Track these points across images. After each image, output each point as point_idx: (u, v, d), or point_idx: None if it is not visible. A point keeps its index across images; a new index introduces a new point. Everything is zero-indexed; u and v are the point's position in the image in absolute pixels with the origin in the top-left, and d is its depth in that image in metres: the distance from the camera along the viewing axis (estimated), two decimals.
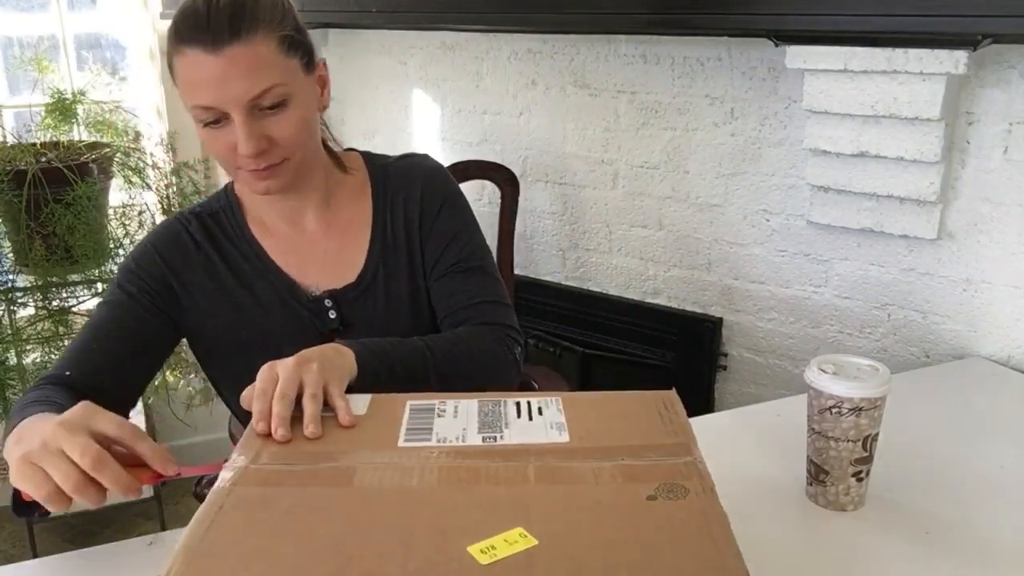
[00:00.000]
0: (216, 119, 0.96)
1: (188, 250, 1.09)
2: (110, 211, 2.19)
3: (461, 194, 1.16)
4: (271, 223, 1.11)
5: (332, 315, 1.09)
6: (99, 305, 1.08)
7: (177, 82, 0.98)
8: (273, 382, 0.81)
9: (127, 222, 2.18)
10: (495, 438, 0.77)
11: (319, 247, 1.11)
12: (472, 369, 1.03)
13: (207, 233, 1.10)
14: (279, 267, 1.10)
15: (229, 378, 1.12)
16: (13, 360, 2.07)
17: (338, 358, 0.90)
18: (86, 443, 0.74)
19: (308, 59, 1.02)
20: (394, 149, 1.19)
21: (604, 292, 1.91)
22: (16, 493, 0.81)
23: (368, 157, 1.18)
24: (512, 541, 0.63)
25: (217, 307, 1.09)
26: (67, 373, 1.00)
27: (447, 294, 1.10)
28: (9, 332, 2.04)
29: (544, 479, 0.71)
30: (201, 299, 1.08)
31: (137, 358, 1.05)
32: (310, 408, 0.80)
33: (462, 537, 0.63)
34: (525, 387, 1.45)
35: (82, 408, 0.79)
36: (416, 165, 1.16)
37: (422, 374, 0.98)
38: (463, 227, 1.13)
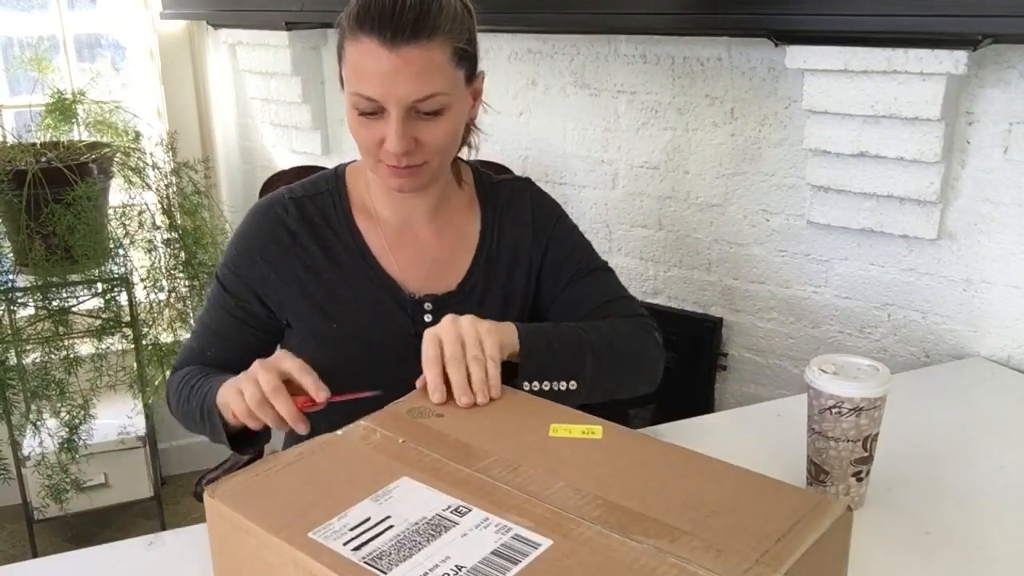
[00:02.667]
0: (373, 111, 0.97)
1: (284, 243, 1.10)
2: (110, 211, 2.19)
3: (565, 212, 1.22)
4: (382, 216, 1.12)
5: (428, 319, 1.10)
6: (207, 307, 1.14)
7: (344, 65, 1.00)
8: (439, 346, 0.87)
9: (127, 222, 2.19)
10: None
11: (427, 251, 1.13)
12: (624, 350, 1.07)
13: (306, 220, 1.10)
14: (380, 264, 1.11)
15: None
16: (13, 360, 2.07)
17: (503, 327, 0.93)
18: (270, 376, 0.89)
19: (472, 71, 1.04)
20: None
21: None
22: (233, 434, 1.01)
23: (476, 172, 1.20)
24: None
25: (313, 298, 1.10)
26: (199, 362, 1.12)
27: (575, 300, 1.15)
28: (9, 332, 2.04)
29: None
30: (297, 291, 1.10)
31: (252, 350, 1.08)
32: (475, 372, 0.84)
33: None
34: None
35: (277, 353, 0.95)
36: (524, 188, 1.21)
37: (578, 351, 1.01)
38: (576, 239, 1.20)
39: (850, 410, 0.89)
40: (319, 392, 0.89)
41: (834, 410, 0.90)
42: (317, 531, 0.62)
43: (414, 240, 1.13)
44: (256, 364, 0.92)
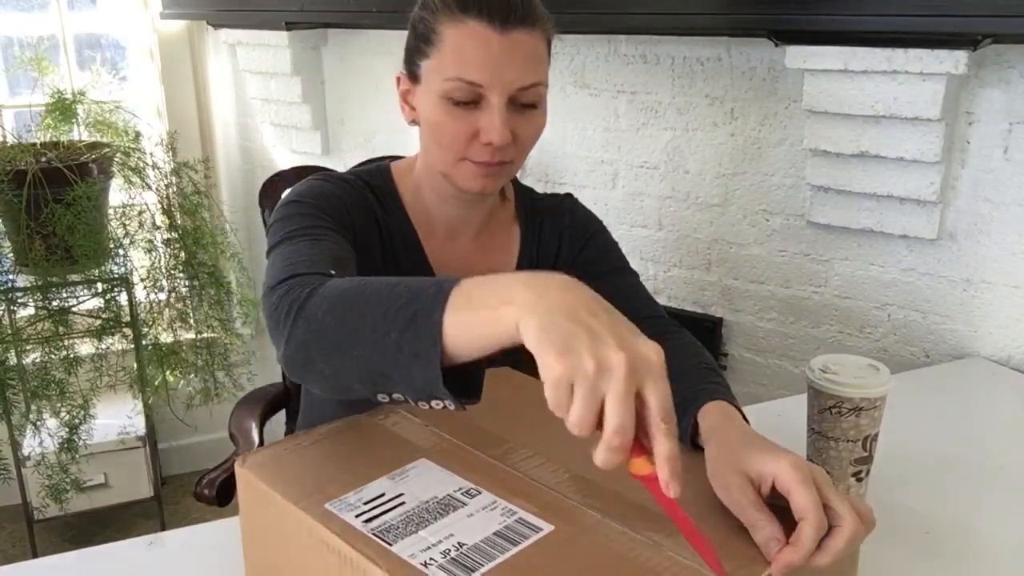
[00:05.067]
0: (469, 99, 0.92)
1: (368, 217, 1.02)
2: (110, 211, 2.19)
3: (605, 227, 1.17)
4: (429, 224, 1.07)
5: None
6: (297, 239, 0.88)
7: (438, 51, 0.93)
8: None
9: (127, 222, 2.19)
10: None
11: (472, 264, 1.09)
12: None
13: (382, 208, 1.04)
14: (435, 272, 1.06)
15: None
16: (13, 360, 2.07)
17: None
18: (628, 418, 0.55)
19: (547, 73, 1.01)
20: (394, 149, 1.19)
21: None
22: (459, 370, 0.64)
23: (517, 186, 1.17)
24: None
25: None
26: (332, 272, 0.81)
27: (619, 294, 1.01)
28: (9, 332, 2.04)
29: None
30: (363, 269, 0.98)
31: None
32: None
33: None
34: None
35: (656, 353, 0.58)
36: (563, 200, 1.17)
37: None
38: (612, 245, 1.15)
39: (850, 410, 0.89)
40: (672, 485, 0.56)
41: (834, 410, 0.90)
42: (333, 503, 0.65)
43: (460, 254, 1.09)
44: (621, 356, 0.55)
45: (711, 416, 0.78)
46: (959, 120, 1.40)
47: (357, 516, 0.63)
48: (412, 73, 0.98)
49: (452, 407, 0.64)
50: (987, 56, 1.35)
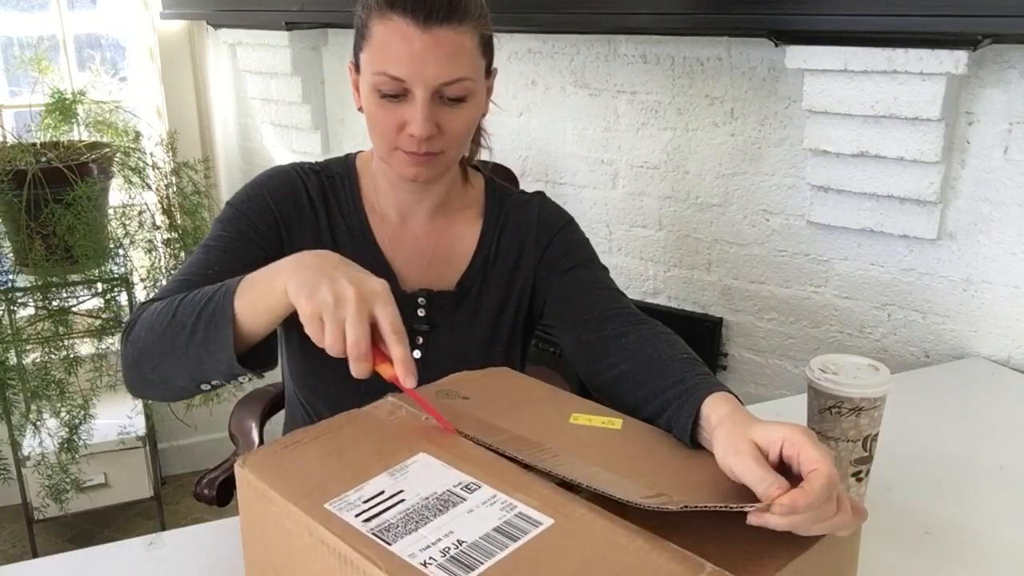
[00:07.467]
0: (396, 93, 0.96)
1: (302, 205, 1.08)
2: (110, 211, 2.19)
3: (575, 222, 1.18)
4: (382, 209, 1.11)
5: (421, 314, 1.09)
6: (201, 247, 1.03)
7: (369, 45, 0.97)
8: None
9: (127, 222, 2.19)
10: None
11: (423, 249, 1.11)
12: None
13: (323, 194, 1.09)
14: (383, 254, 1.09)
15: (297, 348, 1.10)
16: (13, 360, 2.07)
17: None
18: (362, 335, 0.74)
19: (490, 64, 1.03)
20: None
21: None
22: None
23: (489, 181, 1.18)
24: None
25: None
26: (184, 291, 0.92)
27: (573, 287, 1.09)
28: (9, 332, 2.04)
29: None
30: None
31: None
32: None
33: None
34: None
35: (382, 286, 0.77)
36: (532, 197, 1.17)
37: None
38: (581, 242, 1.15)
39: (850, 410, 0.89)
40: (408, 377, 0.75)
41: (834, 410, 0.90)
42: (333, 503, 0.65)
43: (412, 238, 1.12)
44: (355, 292, 0.75)
45: (721, 406, 0.79)
46: (959, 120, 1.40)
47: (357, 515, 0.63)
48: (356, 63, 1.03)
49: (254, 378, 0.85)
50: (987, 56, 1.34)
